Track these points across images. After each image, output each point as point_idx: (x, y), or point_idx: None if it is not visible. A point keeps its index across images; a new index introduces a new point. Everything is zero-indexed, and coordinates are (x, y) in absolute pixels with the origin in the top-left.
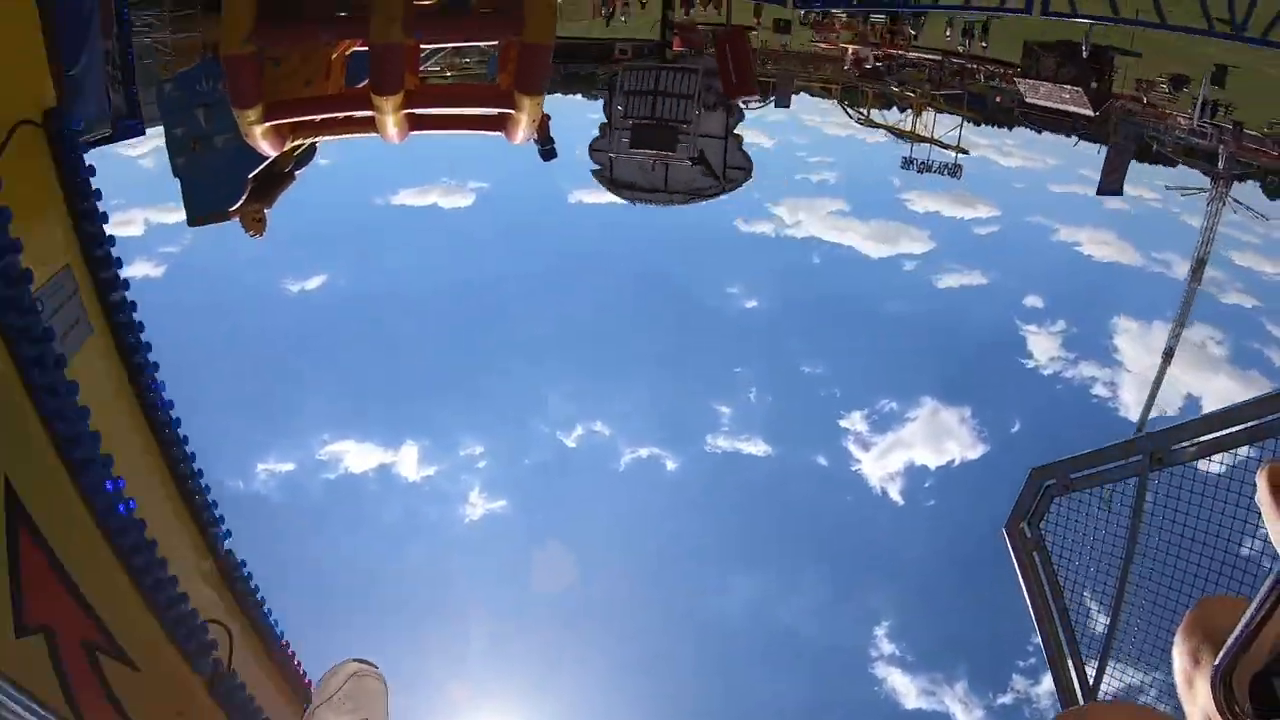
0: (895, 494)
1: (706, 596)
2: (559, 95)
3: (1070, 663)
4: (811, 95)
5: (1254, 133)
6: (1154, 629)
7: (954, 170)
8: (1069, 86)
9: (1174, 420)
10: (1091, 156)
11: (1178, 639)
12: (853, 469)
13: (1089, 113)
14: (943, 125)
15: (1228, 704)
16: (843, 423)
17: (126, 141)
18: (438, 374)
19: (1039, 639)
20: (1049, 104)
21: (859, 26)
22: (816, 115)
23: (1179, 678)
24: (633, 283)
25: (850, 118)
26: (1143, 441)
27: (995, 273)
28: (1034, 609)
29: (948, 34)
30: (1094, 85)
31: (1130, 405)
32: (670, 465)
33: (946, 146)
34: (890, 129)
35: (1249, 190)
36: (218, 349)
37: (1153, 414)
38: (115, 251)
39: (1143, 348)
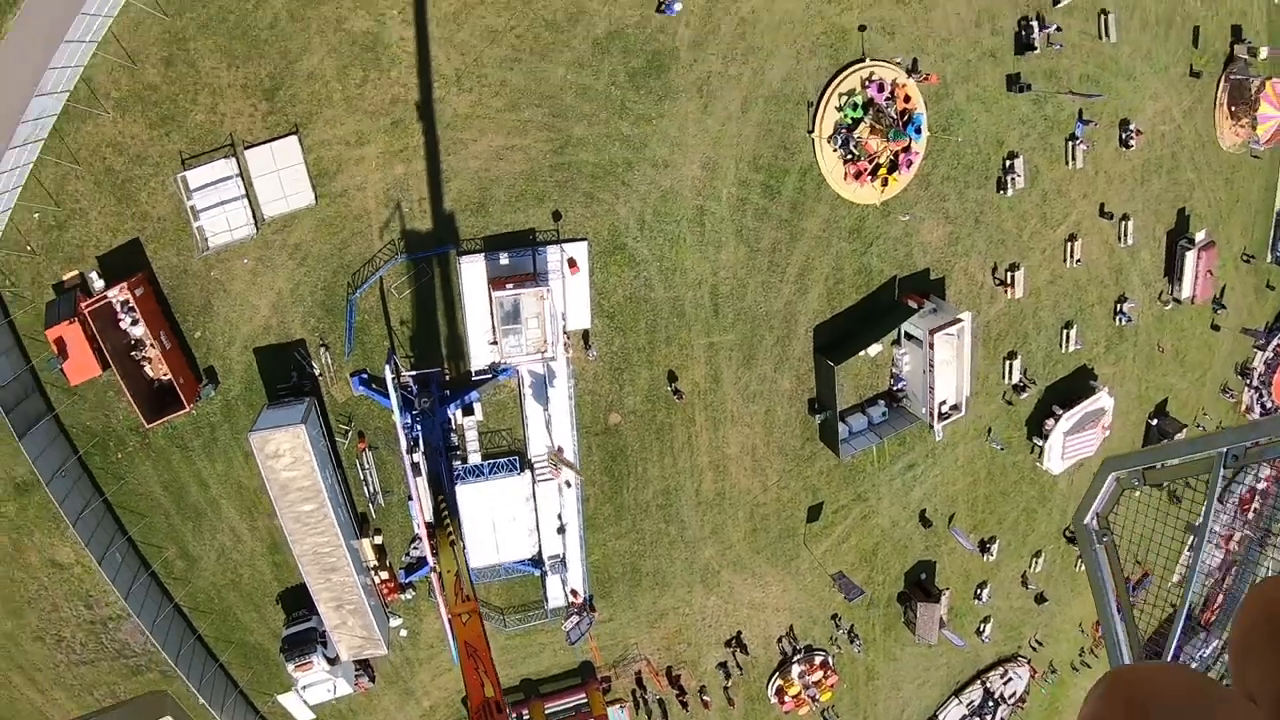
0: None
1: None
2: None
3: (1130, 657)
4: None
5: None
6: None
7: None
8: None
9: None
10: None
11: (1237, 616)
12: None
13: None
14: None
15: None
16: None
17: None
18: None
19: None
20: None
21: None
22: None
23: (1232, 650)
24: None
25: None
26: (1220, 438)
27: None
28: (1098, 601)
29: None
30: None
31: None
32: None
33: None
34: None
35: None
36: None
37: None
38: None
39: None
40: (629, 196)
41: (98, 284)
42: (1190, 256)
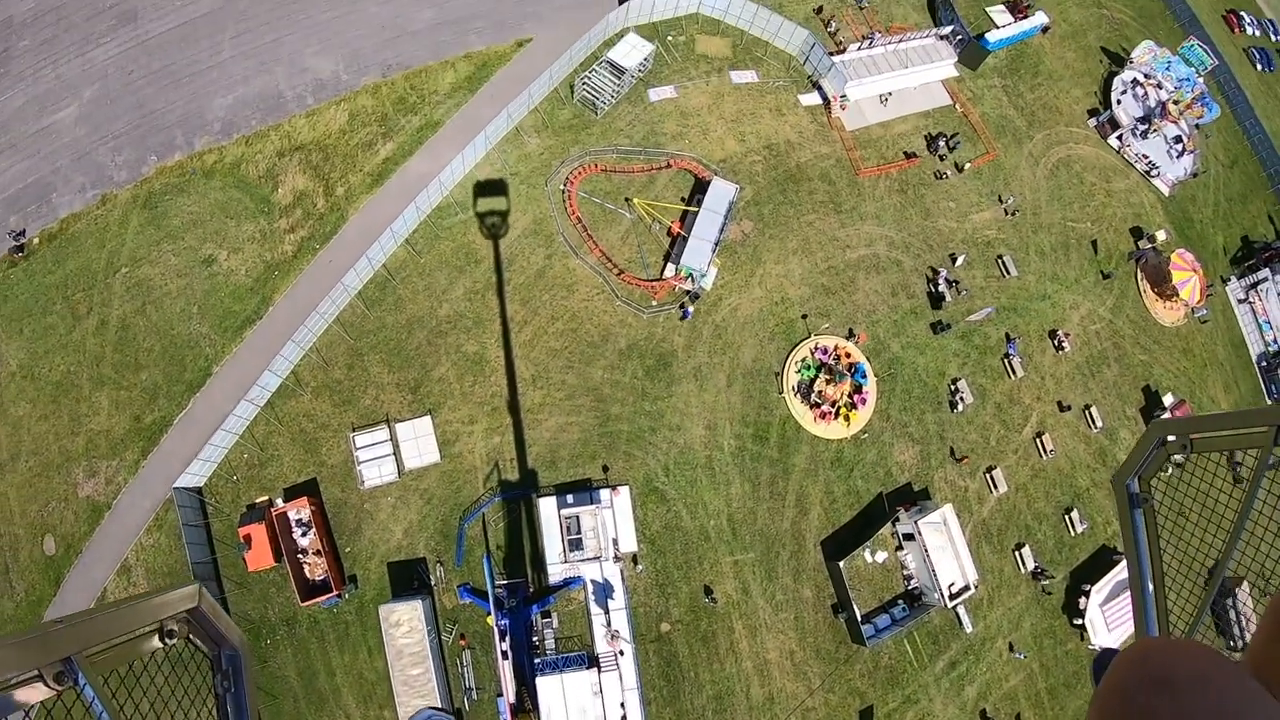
0: None
1: None
2: None
3: (1156, 630)
4: None
5: None
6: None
7: None
8: None
9: None
10: None
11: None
12: None
13: None
14: None
15: None
16: None
17: None
18: None
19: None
20: None
21: None
22: None
23: (1268, 629)
24: None
25: None
26: (1275, 411)
27: None
28: (1129, 567)
29: None
30: None
31: None
32: None
33: None
34: None
35: None
36: None
37: None
38: None
39: None
40: (655, 452)
41: (280, 503)
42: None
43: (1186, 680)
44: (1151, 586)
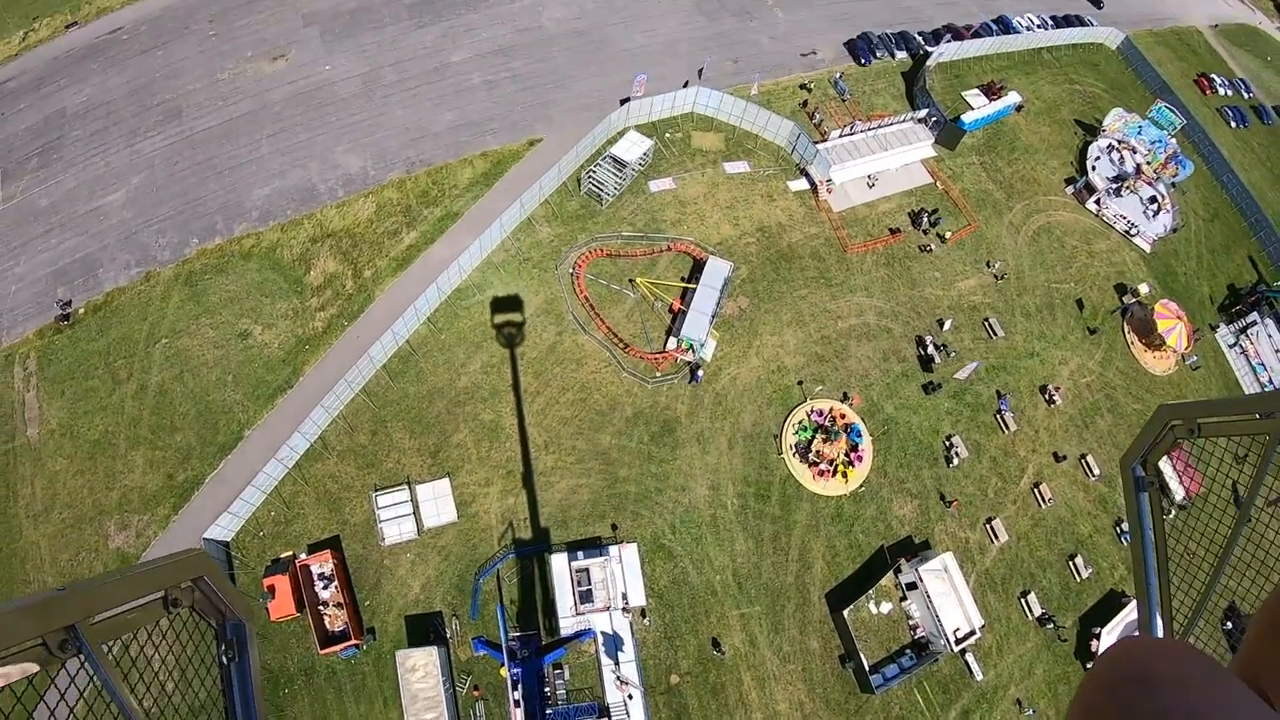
0: None
1: None
2: None
3: (1159, 613)
4: None
5: None
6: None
7: None
8: None
9: None
10: None
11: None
12: None
13: None
14: None
15: None
16: None
17: None
18: None
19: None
20: None
21: None
22: None
23: (1258, 632)
24: None
25: None
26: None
27: None
28: (1133, 550)
29: None
30: None
31: None
32: None
33: None
34: None
35: None
36: None
37: None
38: None
39: None
40: (662, 512)
41: (303, 557)
42: (1166, 467)
43: (1169, 678)
44: (1155, 570)
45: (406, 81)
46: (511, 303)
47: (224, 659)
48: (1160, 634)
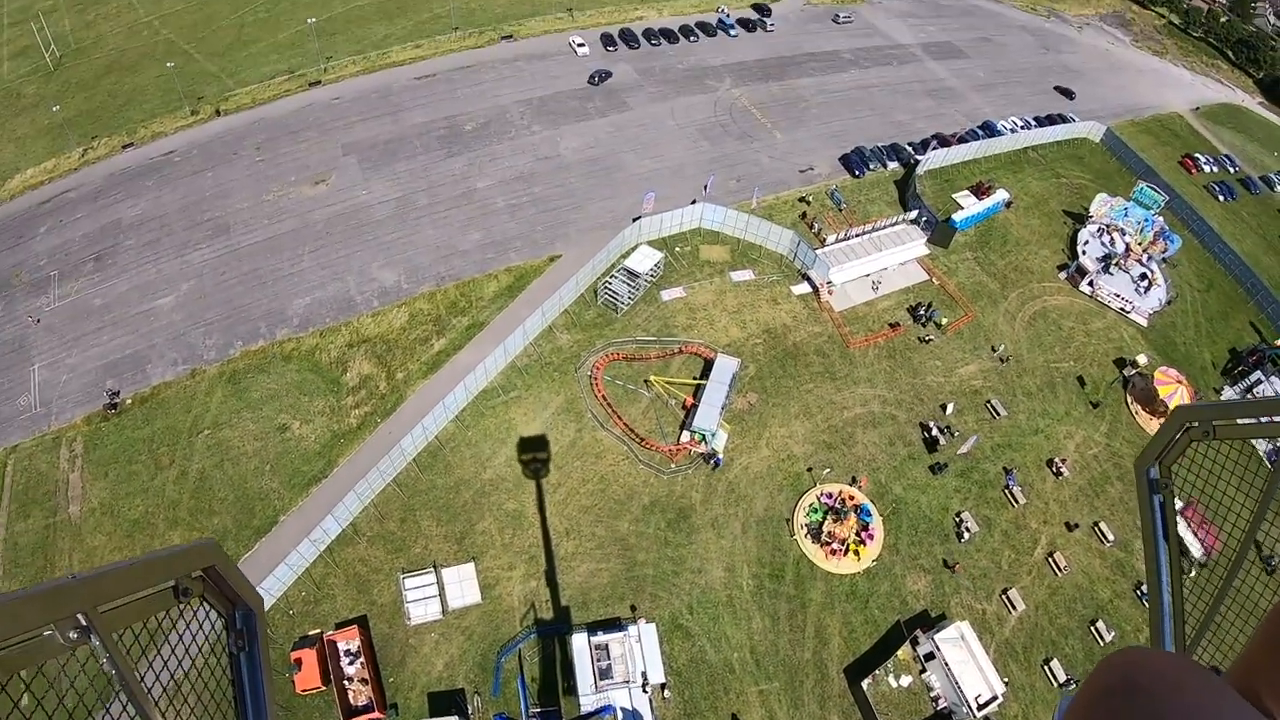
0: None
1: None
2: None
3: (1169, 622)
4: None
5: None
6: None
7: None
8: None
9: None
10: None
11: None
12: None
13: None
14: None
15: None
16: None
17: None
18: None
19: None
20: None
21: None
22: None
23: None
24: None
25: None
26: None
27: None
28: (1146, 556)
29: None
30: None
31: None
32: None
33: None
34: None
35: None
36: None
37: None
38: None
39: None
40: (679, 593)
41: (330, 633)
42: (1182, 528)
43: (1163, 688)
44: (1168, 575)
45: (437, 205)
46: (538, 442)
47: (234, 648)
48: (1170, 639)
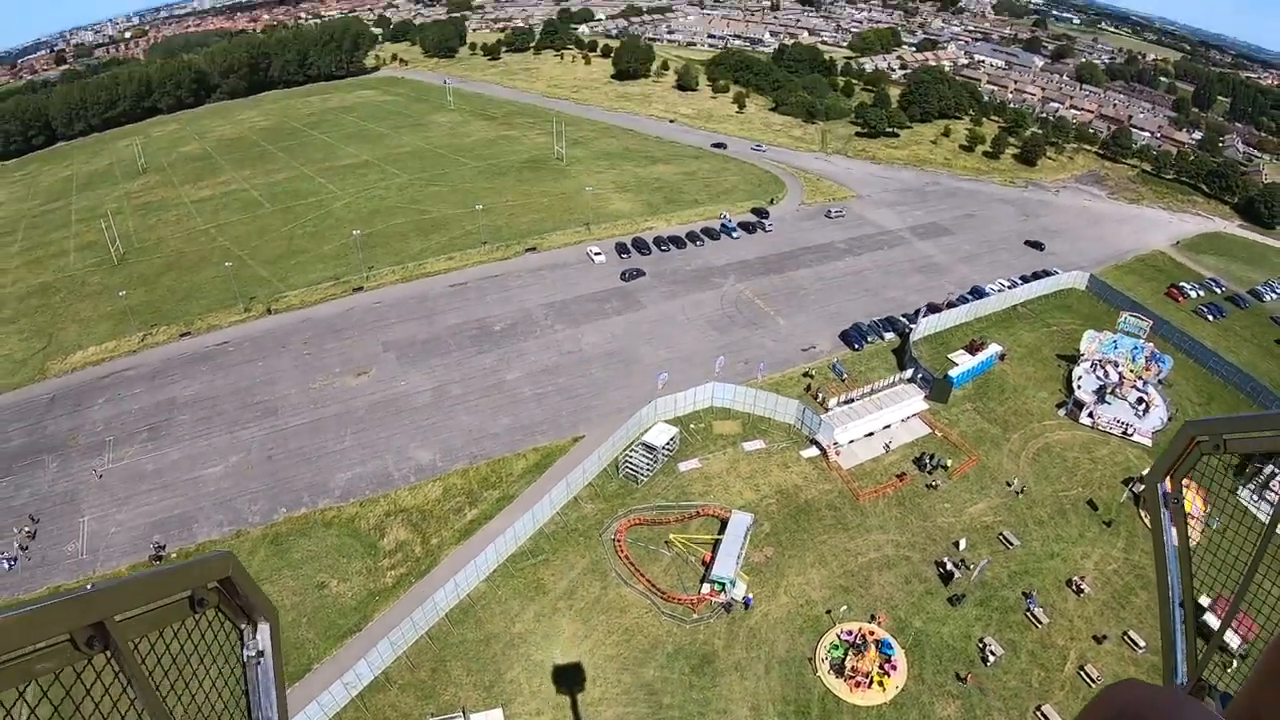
0: None
1: None
2: None
3: (1182, 640)
4: None
5: None
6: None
7: None
8: None
9: None
10: None
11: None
12: None
13: None
14: None
15: None
16: None
17: None
18: None
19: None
20: None
21: None
22: None
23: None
24: None
25: None
26: None
27: None
28: (1158, 572)
29: None
30: None
31: None
32: None
33: None
34: None
35: None
36: None
37: None
38: None
39: None
40: None
41: None
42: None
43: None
44: (1180, 589)
45: (469, 394)
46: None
47: (248, 658)
48: (1183, 662)
